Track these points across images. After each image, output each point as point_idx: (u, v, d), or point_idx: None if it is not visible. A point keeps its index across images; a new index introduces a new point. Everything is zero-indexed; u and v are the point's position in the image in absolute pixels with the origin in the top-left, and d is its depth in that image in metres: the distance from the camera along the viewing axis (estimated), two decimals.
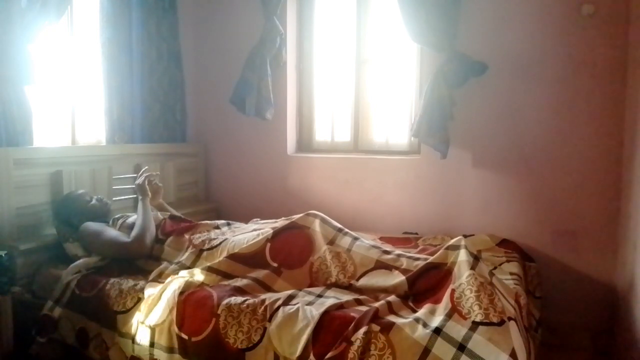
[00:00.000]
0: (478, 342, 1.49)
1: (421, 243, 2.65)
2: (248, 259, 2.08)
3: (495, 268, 2.28)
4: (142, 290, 2.00)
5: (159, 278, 2.11)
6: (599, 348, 2.64)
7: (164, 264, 2.21)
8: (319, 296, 1.90)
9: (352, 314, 1.69)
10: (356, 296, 1.87)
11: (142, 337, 1.90)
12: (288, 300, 1.82)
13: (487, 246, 2.62)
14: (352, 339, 1.58)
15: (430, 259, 1.89)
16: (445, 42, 2.73)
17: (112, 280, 2.09)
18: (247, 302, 1.81)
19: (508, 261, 2.38)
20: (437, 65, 2.77)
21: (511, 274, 2.18)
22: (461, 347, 1.49)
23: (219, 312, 1.80)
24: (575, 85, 2.66)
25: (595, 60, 2.61)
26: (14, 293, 2.05)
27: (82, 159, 2.64)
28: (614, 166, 2.61)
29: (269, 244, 2.11)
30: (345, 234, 2.14)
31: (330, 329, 1.65)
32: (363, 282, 1.96)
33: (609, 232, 2.64)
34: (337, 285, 1.99)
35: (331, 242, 2.10)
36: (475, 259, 1.78)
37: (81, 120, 2.91)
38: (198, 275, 2.02)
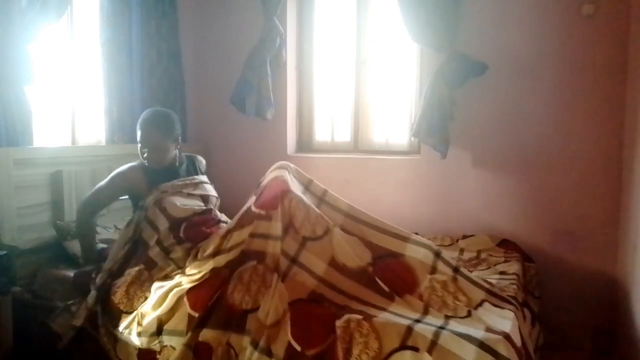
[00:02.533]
0: (456, 324, 1.63)
1: None
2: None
3: (490, 268, 2.29)
4: (148, 290, 2.00)
5: (164, 279, 2.10)
6: (599, 348, 2.64)
7: (171, 267, 2.19)
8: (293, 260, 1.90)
9: (329, 310, 1.76)
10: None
11: (150, 329, 1.88)
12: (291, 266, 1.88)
13: (487, 246, 2.63)
14: (337, 325, 1.65)
15: (388, 245, 1.96)
16: (445, 42, 2.73)
17: (118, 281, 2.07)
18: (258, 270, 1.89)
19: (508, 261, 2.39)
20: (437, 65, 2.77)
21: (511, 274, 2.18)
22: (441, 327, 1.59)
23: (230, 281, 1.88)
24: (575, 85, 2.66)
25: (595, 60, 2.61)
26: (14, 293, 2.05)
27: (82, 159, 2.64)
28: (614, 166, 2.61)
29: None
30: (313, 188, 2.18)
31: (310, 327, 1.69)
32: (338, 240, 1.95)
33: (609, 232, 2.64)
34: (315, 234, 1.95)
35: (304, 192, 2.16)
36: (436, 255, 1.88)
37: (81, 120, 2.91)
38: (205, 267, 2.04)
